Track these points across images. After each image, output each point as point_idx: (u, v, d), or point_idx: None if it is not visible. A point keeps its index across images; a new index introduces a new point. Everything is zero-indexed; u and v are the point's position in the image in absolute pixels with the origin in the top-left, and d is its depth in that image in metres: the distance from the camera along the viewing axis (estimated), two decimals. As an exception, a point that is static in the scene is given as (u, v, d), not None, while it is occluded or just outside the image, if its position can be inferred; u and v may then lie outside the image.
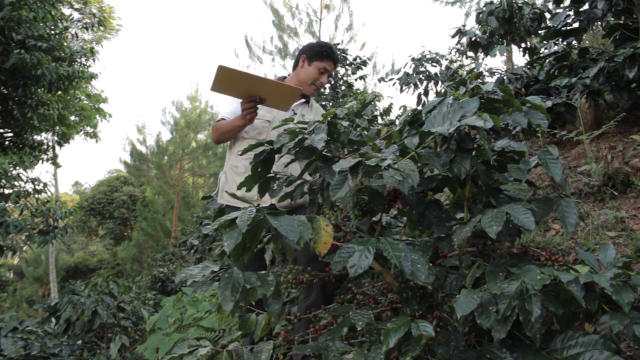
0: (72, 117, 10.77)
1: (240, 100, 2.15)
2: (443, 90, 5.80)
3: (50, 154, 9.27)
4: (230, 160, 2.39)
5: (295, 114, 2.39)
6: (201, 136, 20.24)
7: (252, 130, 2.31)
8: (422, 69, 6.23)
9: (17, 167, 6.87)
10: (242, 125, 2.18)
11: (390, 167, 1.27)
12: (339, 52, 7.94)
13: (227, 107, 2.34)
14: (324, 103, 7.81)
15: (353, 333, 1.67)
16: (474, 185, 1.59)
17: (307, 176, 1.87)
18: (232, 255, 1.32)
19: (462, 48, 6.12)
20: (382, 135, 1.83)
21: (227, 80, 1.95)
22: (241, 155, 2.03)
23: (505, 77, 4.36)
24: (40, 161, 8.95)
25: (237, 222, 1.23)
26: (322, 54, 2.32)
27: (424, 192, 1.64)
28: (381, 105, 6.30)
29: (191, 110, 19.91)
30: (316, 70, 2.33)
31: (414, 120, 1.70)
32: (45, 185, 7.06)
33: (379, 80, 7.46)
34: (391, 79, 6.51)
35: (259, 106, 2.17)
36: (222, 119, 2.30)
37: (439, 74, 6.17)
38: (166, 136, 20.49)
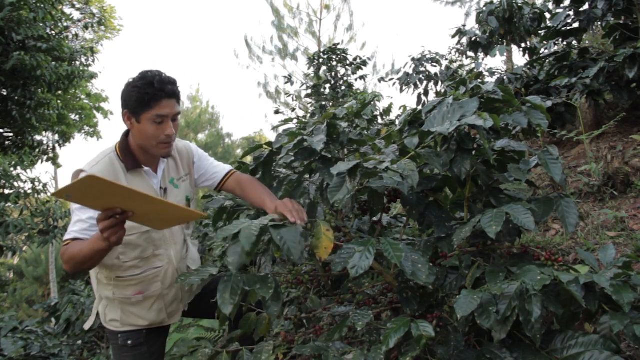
0: (72, 116, 10.78)
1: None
2: (443, 90, 5.80)
3: (50, 153, 9.27)
4: (108, 289, 1.71)
5: (165, 191, 1.73)
6: (201, 136, 20.27)
7: (129, 250, 1.63)
8: (422, 69, 6.23)
9: (17, 167, 6.86)
10: (105, 248, 1.38)
11: (389, 169, 1.26)
12: (338, 53, 7.89)
13: (79, 221, 1.53)
14: (323, 103, 7.81)
15: (353, 333, 1.67)
16: (474, 185, 1.59)
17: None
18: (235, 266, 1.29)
19: (462, 48, 6.11)
20: (382, 135, 1.82)
21: (87, 190, 1.17)
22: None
23: (505, 77, 4.36)
24: (40, 161, 8.95)
25: (240, 238, 1.18)
26: (144, 101, 1.55)
27: (424, 192, 1.63)
28: (381, 105, 6.29)
29: (191, 110, 19.92)
30: (150, 125, 1.57)
31: (414, 120, 1.69)
32: (45, 185, 7.05)
33: (379, 80, 7.47)
34: (391, 79, 6.52)
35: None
36: (76, 238, 1.52)
37: (439, 74, 6.17)
38: (166, 136, 20.44)
